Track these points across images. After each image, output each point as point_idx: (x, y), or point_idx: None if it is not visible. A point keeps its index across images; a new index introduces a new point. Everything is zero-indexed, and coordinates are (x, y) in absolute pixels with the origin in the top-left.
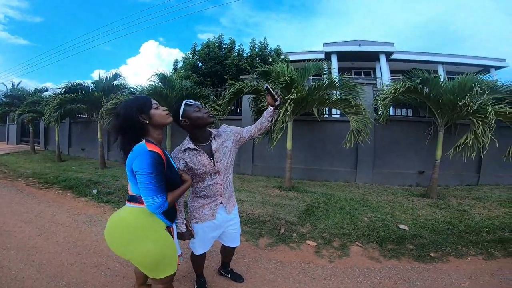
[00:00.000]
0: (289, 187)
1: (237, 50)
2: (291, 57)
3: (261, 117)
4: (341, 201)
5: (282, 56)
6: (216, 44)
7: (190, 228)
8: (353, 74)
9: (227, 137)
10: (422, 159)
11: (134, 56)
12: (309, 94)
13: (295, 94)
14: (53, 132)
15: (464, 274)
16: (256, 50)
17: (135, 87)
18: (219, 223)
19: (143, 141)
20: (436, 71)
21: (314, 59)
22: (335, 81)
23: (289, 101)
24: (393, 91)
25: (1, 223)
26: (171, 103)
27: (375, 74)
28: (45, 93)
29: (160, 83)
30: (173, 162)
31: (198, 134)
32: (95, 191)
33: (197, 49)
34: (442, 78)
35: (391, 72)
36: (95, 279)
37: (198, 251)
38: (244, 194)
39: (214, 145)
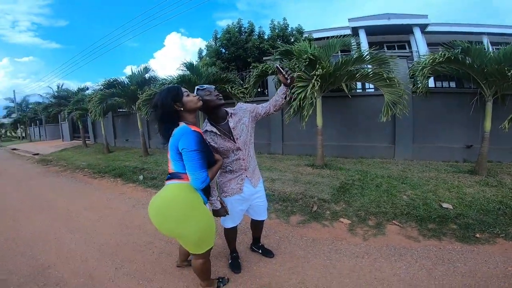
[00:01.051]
0: (321, 165)
1: (257, 33)
2: (315, 35)
3: (275, 94)
4: (378, 178)
5: (305, 35)
6: (236, 29)
7: (225, 206)
8: (385, 48)
9: (243, 114)
10: (469, 132)
11: (160, 49)
12: (336, 69)
13: (320, 70)
14: (100, 126)
15: None
16: (277, 31)
17: (166, 77)
18: (246, 196)
19: (183, 124)
20: (480, 43)
21: (339, 35)
22: (363, 54)
23: (315, 77)
24: (431, 61)
25: (66, 210)
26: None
27: (410, 47)
28: (87, 91)
29: (188, 72)
30: (207, 143)
31: (214, 115)
32: (141, 177)
33: (218, 36)
34: (487, 48)
35: (429, 45)
36: (144, 257)
37: (228, 225)
38: (275, 173)
39: (231, 123)
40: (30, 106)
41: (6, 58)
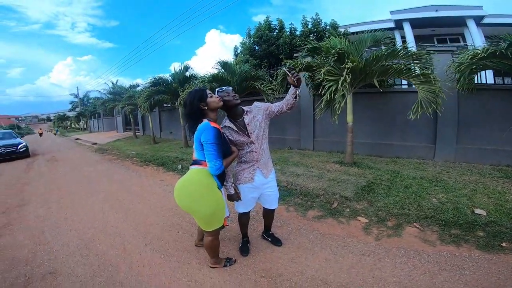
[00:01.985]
0: (350, 163)
1: (288, 29)
2: (354, 29)
3: (287, 94)
4: (409, 179)
5: (341, 29)
6: (266, 27)
7: (238, 191)
8: (435, 41)
9: (257, 112)
10: None
11: (201, 46)
12: (367, 65)
13: (350, 64)
14: (148, 120)
15: None
16: (309, 26)
17: (203, 75)
18: (257, 185)
19: (206, 121)
20: None
21: (380, 29)
22: (397, 49)
23: (345, 70)
24: (470, 56)
25: (114, 193)
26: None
27: (464, 41)
28: (137, 88)
29: (222, 70)
30: (225, 137)
31: (232, 112)
32: (179, 166)
33: (251, 33)
34: None
35: (486, 37)
36: (170, 236)
37: (241, 210)
38: (301, 168)
39: (246, 120)
40: (90, 101)
41: (70, 57)
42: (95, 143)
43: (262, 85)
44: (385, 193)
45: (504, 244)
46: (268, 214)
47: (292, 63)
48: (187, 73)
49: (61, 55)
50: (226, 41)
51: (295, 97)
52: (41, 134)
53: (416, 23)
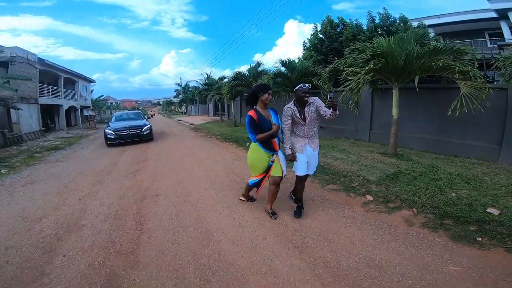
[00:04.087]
0: (392, 154)
1: (353, 25)
2: (443, 20)
3: (329, 111)
4: (442, 174)
5: (415, 23)
6: (328, 24)
7: (294, 153)
8: None
9: (313, 105)
10: None
11: (281, 37)
12: (408, 62)
13: (372, 65)
14: (231, 107)
15: (483, 267)
16: (377, 21)
17: (269, 71)
18: (308, 155)
19: (254, 108)
20: None
21: (474, 19)
22: (438, 47)
23: (365, 71)
24: None
25: (200, 157)
26: (292, 82)
27: None
28: (224, 80)
29: (283, 68)
30: (264, 120)
31: (300, 101)
32: (247, 144)
33: (318, 30)
34: None
35: None
36: (231, 190)
37: (298, 172)
38: (342, 154)
39: (306, 108)
40: (190, 89)
41: (173, 50)
42: (192, 124)
43: (318, 81)
44: (407, 182)
45: (479, 239)
46: (301, 180)
47: (338, 63)
48: (259, 69)
49: (166, 48)
50: (305, 31)
51: (332, 116)
52: (152, 115)
53: None
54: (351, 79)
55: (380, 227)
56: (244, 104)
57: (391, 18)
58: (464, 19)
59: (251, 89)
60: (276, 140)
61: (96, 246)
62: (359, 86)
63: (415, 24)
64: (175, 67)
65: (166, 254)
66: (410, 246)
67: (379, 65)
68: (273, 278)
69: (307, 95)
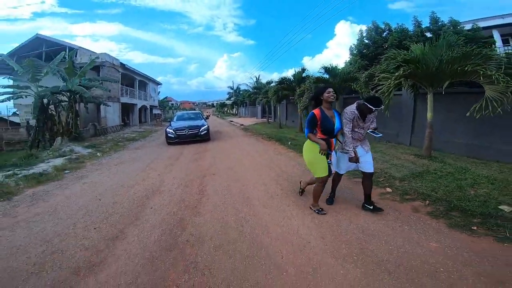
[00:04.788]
0: (426, 156)
1: (399, 30)
2: (497, 22)
3: (343, 139)
4: (470, 175)
5: (467, 26)
6: (373, 29)
7: (357, 156)
8: None
9: (371, 116)
10: None
11: (332, 39)
12: (439, 68)
13: (401, 71)
14: (277, 110)
15: (462, 248)
16: (425, 25)
17: (312, 76)
18: (360, 154)
19: (319, 107)
20: None
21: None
22: (467, 52)
23: (395, 76)
24: None
25: (247, 152)
26: (334, 87)
27: None
28: (271, 84)
29: (326, 74)
30: (327, 119)
31: (364, 112)
32: (289, 142)
33: (364, 35)
34: None
35: None
36: (267, 171)
37: (341, 171)
38: (377, 155)
39: (366, 118)
40: (241, 92)
41: (225, 53)
42: (242, 125)
43: (357, 85)
44: (431, 179)
45: (474, 228)
46: (366, 179)
47: (373, 69)
48: (304, 74)
49: (220, 52)
50: (357, 31)
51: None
52: (208, 117)
53: None
54: (383, 84)
55: (387, 210)
56: (290, 107)
57: (439, 22)
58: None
59: (316, 90)
60: (334, 140)
61: (172, 203)
62: (390, 90)
63: (468, 26)
64: (227, 71)
65: (217, 209)
66: (406, 225)
67: (409, 70)
68: (286, 229)
69: (372, 112)
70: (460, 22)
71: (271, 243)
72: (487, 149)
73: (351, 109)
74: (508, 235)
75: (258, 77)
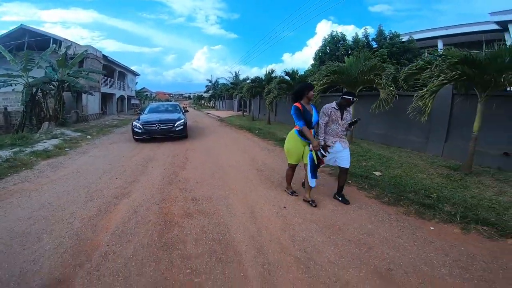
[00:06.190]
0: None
1: (351, 40)
2: (452, 31)
3: (320, 127)
4: (371, 154)
5: (405, 38)
6: (330, 40)
7: (327, 146)
8: None
9: (349, 113)
10: None
11: (312, 37)
12: (357, 77)
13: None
14: (251, 104)
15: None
16: (373, 36)
17: (276, 77)
18: (336, 150)
19: (299, 102)
20: None
21: (480, 30)
22: (373, 65)
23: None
24: None
25: (224, 142)
26: (294, 88)
27: None
28: (247, 81)
29: (286, 76)
30: (307, 112)
31: (343, 105)
32: (256, 131)
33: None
34: None
35: None
36: (235, 147)
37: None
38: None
39: (345, 113)
40: (219, 86)
41: (206, 46)
42: (218, 117)
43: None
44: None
45: (350, 182)
46: (342, 173)
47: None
48: (273, 75)
49: (200, 44)
50: (339, 32)
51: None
52: (186, 110)
53: None
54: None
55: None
56: (263, 102)
57: (382, 35)
58: (470, 30)
59: (300, 86)
60: (312, 131)
61: (166, 164)
62: (317, 95)
63: (405, 38)
64: (206, 63)
65: (197, 167)
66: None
67: (331, 79)
68: (242, 176)
69: (349, 104)
70: (400, 34)
71: (231, 178)
72: (394, 138)
73: (331, 105)
74: (366, 186)
75: (238, 72)
